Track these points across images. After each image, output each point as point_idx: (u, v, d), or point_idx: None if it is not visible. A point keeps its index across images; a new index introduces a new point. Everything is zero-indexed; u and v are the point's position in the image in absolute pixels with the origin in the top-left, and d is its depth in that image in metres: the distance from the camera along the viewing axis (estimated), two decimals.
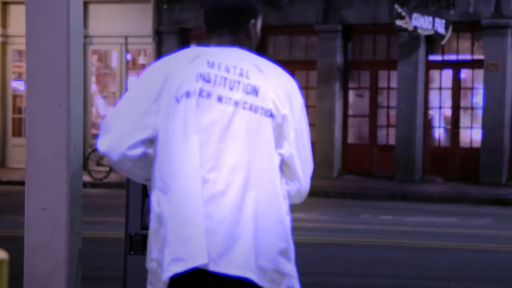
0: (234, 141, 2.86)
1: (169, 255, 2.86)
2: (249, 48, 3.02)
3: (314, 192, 16.61)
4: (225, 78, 2.88)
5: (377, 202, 15.83)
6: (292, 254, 3.02)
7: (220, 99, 2.87)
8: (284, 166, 2.97)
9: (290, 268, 3.00)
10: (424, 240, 11.11)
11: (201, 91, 2.87)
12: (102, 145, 2.96)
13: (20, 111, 20.68)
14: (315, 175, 15.79)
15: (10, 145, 20.87)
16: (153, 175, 2.95)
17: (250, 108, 2.87)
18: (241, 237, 2.85)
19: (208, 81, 2.88)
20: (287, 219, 3.03)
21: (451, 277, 8.69)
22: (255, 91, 2.88)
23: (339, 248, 10.41)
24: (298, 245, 10.63)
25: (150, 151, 2.95)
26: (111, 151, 2.94)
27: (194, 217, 2.84)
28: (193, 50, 2.99)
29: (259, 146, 2.88)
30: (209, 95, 2.87)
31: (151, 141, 2.93)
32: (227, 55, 2.94)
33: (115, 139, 2.92)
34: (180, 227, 2.85)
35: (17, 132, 20.77)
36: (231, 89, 2.87)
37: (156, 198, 2.94)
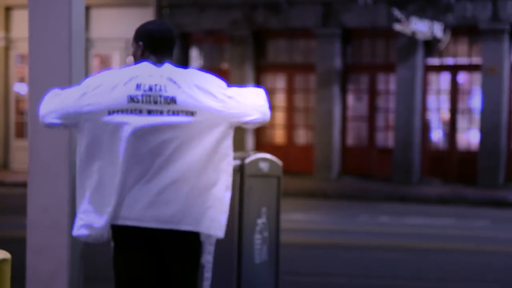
0: (164, 137, 3.84)
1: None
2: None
3: (314, 194, 16.71)
4: (149, 95, 3.86)
5: (375, 203, 15.88)
6: (218, 211, 3.93)
7: (149, 112, 3.85)
8: (245, 124, 4.02)
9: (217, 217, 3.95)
10: (422, 241, 11.16)
11: (132, 110, 3.84)
12: (42, 110, 3.96)
13: (23, 114, 20.73)
14: (315, 177, 15.63)
15: (13, 147, 20.92)
16: (86, 164, 3.91)
17: (173, 114, 3.85)
18: (178, 204, 3.86)
19: (137, 101, 3.85)
20: (219, 189, 3.93)
21: (448, 278, 8.73)
22: (173, 100, 3.86)
23: (338, 249, 10.46)
24: (297, 247, 10.62)
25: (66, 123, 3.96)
26: (44, 118, 3.96)
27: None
28: (129, 72, 3.92)
29: (185, 140, 3.85)
30: (140, 111, 3.84)
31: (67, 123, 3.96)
32: (152, 75, 3.90)
33: (51, 114, 3.92)
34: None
35: (20, 135, 20.82)
36: (155, 103, 3.86)
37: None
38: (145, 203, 3.82)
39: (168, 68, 3.96)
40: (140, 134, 3.83)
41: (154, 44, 4.03)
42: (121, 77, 3.90)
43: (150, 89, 3.86)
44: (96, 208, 3.87)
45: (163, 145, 3.83)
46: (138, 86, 3.87)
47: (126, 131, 3.83)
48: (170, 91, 3.87)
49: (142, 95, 3.85)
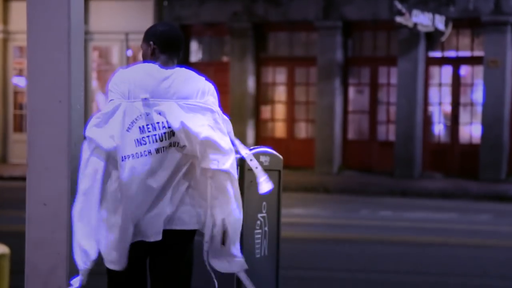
0: (163, 167, 4.10)
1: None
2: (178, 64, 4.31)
3: (314, 188, 16.69)
4: (154, 135, 4.03)
5: (377, 198, 15.86)
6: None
7: (157, 151, 4.04)
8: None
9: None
10: (423, 236, 11.15)
11: (141, 152, 4.03)
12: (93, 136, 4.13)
13: (21, 107, 20.70)
14: (315, 171, 15.57)
15: (11, 141, 20.89)
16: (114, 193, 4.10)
17: (174, 145, 4.07)
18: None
19: (144, 144, 4.04)
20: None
21: (450, 273, 8.72)
22: (173, 133, 4.06)
23: (339, 244, 10.45)
24: (298, 241, 10.61)
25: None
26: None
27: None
28: (131, 113, 4.03)
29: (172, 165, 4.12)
30: (150, 152, 4.02)
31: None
32: (149, 114, 4.04)
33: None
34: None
35: (18, 128, 20.80)
36: (161, 141, 4.04)
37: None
38: (161, 222, 4.09)
39: (179, 79, 4.15)
40: (145, 172, 4.05)
41: (164, 44, 4.29)
42: (124, 122, 4.05)
43: (154, 128, 4.05)
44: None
45: (163, 174, 4.07)
46: (141, 129, 4.04)
47: (133, 170, 4.03)
48: (171, 119, 4.08)
49: (148, 137, 4.04)
